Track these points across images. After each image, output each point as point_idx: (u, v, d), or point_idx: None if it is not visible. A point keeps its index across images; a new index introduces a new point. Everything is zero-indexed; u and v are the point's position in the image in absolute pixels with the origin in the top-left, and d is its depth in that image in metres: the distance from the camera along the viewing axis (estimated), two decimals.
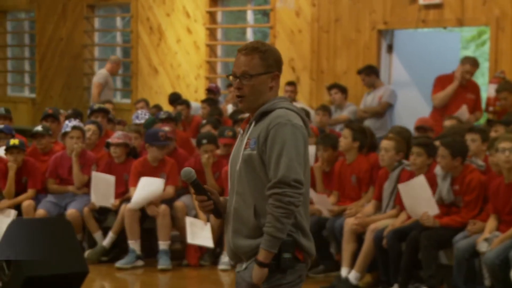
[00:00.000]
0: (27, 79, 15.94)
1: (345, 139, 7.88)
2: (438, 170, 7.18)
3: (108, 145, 8.68)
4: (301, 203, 3.55)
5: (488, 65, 10.23)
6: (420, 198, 7.06)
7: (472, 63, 9.48)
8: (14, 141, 8.56)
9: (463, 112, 9.26)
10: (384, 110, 10.07)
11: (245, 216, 3.60)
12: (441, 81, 9.54)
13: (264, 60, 3.63)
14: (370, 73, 10.18)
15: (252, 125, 3.65)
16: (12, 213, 8.48)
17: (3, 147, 8.79)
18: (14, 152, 8.53)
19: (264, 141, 3.56)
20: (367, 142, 7.94)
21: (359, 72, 10.28)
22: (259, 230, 3.55)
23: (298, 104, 10.54)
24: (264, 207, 3.53)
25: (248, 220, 3.59)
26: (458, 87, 9.44)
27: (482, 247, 6.63)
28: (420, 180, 7.09)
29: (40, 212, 8.49)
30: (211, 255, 8.34)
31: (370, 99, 10.22)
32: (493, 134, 7.73)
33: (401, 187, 7.24)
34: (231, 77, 3.69)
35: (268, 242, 3.51)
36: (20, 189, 8.66)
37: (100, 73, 12.62)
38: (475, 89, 9.65)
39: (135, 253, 8.23)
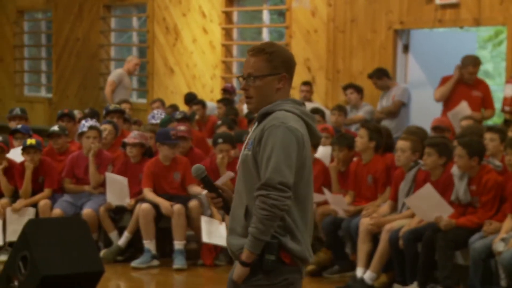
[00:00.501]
0: (43, 79, 16.01)
1: (361, 139, 7.86)
2: (455, 170, 7.15)
3: (124, 145, 8.70)
4: (289, 206, 3.51)
5: (505, 64, 10.18)
6: (430, 205, 7.03)
7: (473, 64, 9.46)
8: (31, 141, 8.61)
9: (463, 108, 9.23)
10: (397, 108, 10.03)
11: (238, 215, 3.62)
12: (446, 81, 9.57)
13: (270, 61, 3.62)
14: (381, 76, 10.15)
15: (255, 126, 3.67)
16: (31, 211, 8.53)
17: (20, 147, 8.84)
18: (30, 152, 8.58)
19: (258, 143, 3.56)
20: (383, 142, 7.93)
21: (370, 76, 10.24)
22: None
23: (313, 104, 10.53)
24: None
25: (240, 219, 3.61)
26: (462, 85, 9.45)
27: (499, 247, 6.60)
28: (428, 189, 7.06)
29: (57, 211, 8.52)
30: (226, 255, 8.34)
31: (385, 100, 10.20)
32: (510, 134, 7.70)
33: (409, 201, 7.21)
34: (240, 79, 3.70)
35: (250, 242, 3.52)
36: (36, 189, 8.70)
37: (115, 72, 12.67)
38: (482, 86, 9.62)
39: (151, 252, 8.24)
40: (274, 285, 3.58)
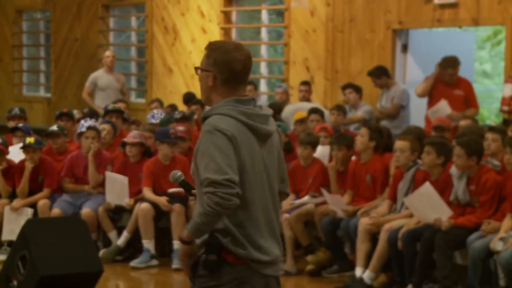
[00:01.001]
0: (42, 79, 15.99)
1: (362, 138, 7.87)
2: (453, 170, 7.16)
3: (123, 144, 8.70)
4: (235, 204, 3.53)
5: (504, 64, 10.19)
6: (429, 206, 7.03)
7: (452, 66, 9.51)
8: (30, 140, 8.62)
9: (443, 106, 9.26)
10: (396, 111, 10.05)
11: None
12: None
13: (207, 58, 3.73)
14: (380, 75, 10.14)
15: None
16: (29, 211, 8.53)
17: (18, 145, 8.85)
18: (30, 151, 8.58)
19: (197, 150, 3.65)
20: (383, 142, 7.94)
21: (369, 74, 10.25)
22: None
23: (312, 104, 10.52)
24: None
25: None
26: (444, 84, 9.50)
27: (498, 246, 6.61)
28: (427, 188, 7.06)
29: (56, 211, 8.52)
30: None
31: (384, 100, 10.21)
32: (510, 133, 7.71)
33: (407, 200, 7.21)
34: None
35: (191, 227, 3.60)
36: (36, 188, 8.70)
37: (90, 77, 12.62)
38: (465, 85, 9.67)
39: (150, 252, 8.25)
40: (223, 285, 3.63)
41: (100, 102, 12.02)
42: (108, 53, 12.60)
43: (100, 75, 12.45)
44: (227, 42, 3.81)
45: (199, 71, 3.76)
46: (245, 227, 3.62)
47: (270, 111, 3.78)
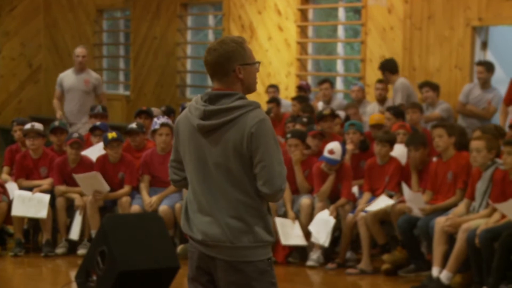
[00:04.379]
0: (121, 77, 16.25)
1: (441, 138, 7.76)
2: None
3: None
4: (173, 179, 4.07)
5: None
6: None
7: None
8: (112, 135, 8.76)
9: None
10: (492, 116, 9.78)
11: None
12: None
13: None
14: (491, 70, 9.82)
15: None
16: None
17: (99, 144, 9.00)
18: (114, 146, 8.74)
19: None
20: (461, 139, 7.85)
21: (478, 63, 9.88)
22: None
23: (389, 102, 10.44)
24: None
25: None
26: None
27: None
28: None
29: (135, 208, 8.64)
30: (300, 252, 8.34)
31: (477, 96, 9.85)
32: None
33: (499, 207, 7.12)
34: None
35: None
36: (116, 184, 8.83)
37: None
38: None
39: None
40: (188, 259, 4.02)
41: (65, 106, 10.90)
42: (78, 50, 10.93)
43: (65, 76, 11.05)
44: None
45: None
46: (190, 204, 3.95)
47: (220, 105, 3.80)
